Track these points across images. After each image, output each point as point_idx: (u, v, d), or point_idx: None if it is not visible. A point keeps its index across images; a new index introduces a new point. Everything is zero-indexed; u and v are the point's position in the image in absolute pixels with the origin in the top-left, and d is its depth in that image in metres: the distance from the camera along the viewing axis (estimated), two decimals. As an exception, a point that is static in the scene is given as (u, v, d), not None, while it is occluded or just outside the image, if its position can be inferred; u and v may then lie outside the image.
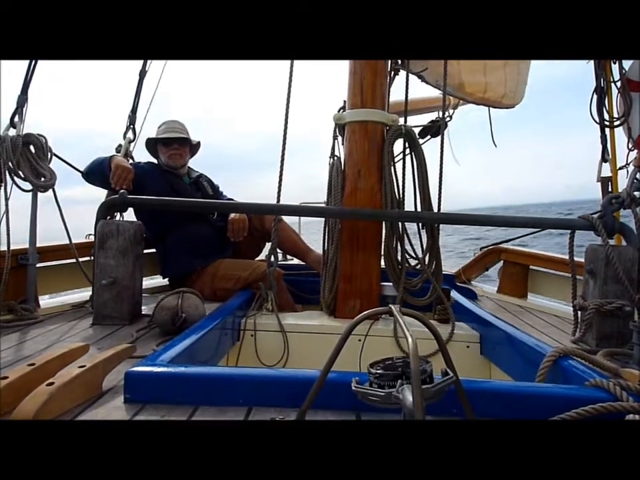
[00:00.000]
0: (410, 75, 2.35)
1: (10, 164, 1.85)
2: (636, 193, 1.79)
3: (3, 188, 1.84)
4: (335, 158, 2.20)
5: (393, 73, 2.41)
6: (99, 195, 2.44)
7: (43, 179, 1.98)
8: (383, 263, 2.14)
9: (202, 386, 1.06)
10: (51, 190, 2.04)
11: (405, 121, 2.26)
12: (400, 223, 2.10)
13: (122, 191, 2.00)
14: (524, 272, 2.86)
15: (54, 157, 2.07)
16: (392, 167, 2.09)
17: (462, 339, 1.95)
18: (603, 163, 2.62)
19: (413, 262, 2.17)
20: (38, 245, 2.03)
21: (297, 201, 3.08)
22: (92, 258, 2.00)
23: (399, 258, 2.12)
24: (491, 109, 3.29)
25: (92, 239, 2.02)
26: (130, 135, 2.92)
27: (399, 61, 2.42)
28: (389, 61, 2.32)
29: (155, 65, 3.10)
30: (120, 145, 2.86)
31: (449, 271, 3.07)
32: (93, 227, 1.96)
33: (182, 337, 1.45)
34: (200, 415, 0.99)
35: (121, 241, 1.87)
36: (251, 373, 1.14)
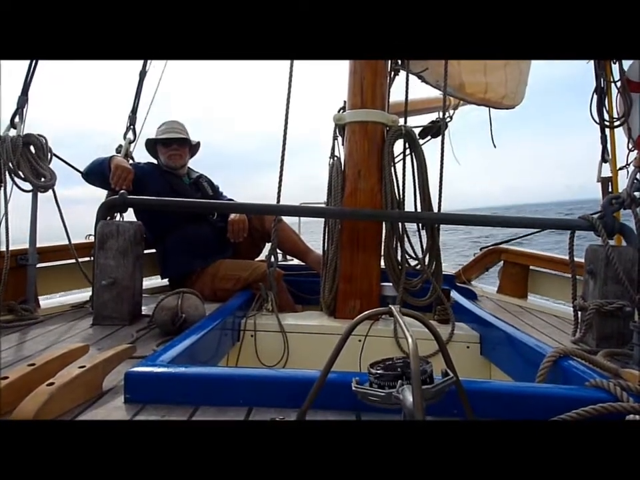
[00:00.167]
0: (410, 75, 2.35)
1: (10, 164, 1.85)
2: (636, 193, 1.79)
3: (3, 188, 1.84)
4: (335, 158, 2.20)
5: (393, 73, 2.41)
6: (99, 195, 2.45)
7: (43, 179, 1.98)
8: (382, 263, 2.13)
9: (202, 386, 1.06)
10: (51, 190, 2.04)
11: (405, 122, 2.26)
12: (400, 224, 2.10)
13: (122, 191, 2.00)
14: (524, 272, 2.86)
15: (54, 157, 2.07)
16: (392, 168, 2.09)
17: (462, 339, 1.95)
18: (603, 163, 2.62)
19: (412, 262, 2.17)
20: (38, 244, 2.03)
21: (297, 201, 3.08)
22: (92, 258, 2.00)
23: (399, 258, 2.12)
24: (491, 109, 3.29)
25: (92, 239, 2.02)
26: (130, 135, 2.91)
27: (399, 61, 2.42)
28: (389, 61, 2.32)
29: (155, 65, 3.11)
30: (120, 146, 2.85)
31: (449, 271, 3.07)
32: (92, 227, 1.96)
33: (182, 337, 1.45)
34: (200, 415, 0.99)
35: (121, 241, 1.87)
36: (251, 373, 1.14)
